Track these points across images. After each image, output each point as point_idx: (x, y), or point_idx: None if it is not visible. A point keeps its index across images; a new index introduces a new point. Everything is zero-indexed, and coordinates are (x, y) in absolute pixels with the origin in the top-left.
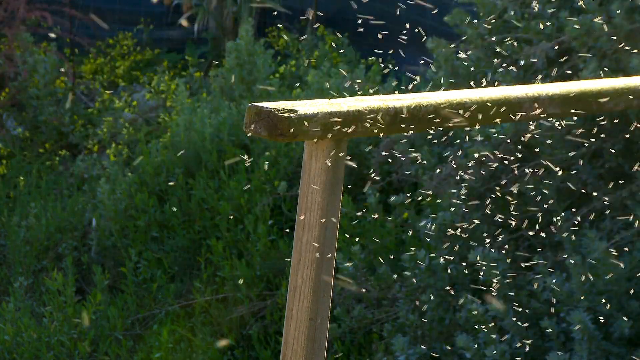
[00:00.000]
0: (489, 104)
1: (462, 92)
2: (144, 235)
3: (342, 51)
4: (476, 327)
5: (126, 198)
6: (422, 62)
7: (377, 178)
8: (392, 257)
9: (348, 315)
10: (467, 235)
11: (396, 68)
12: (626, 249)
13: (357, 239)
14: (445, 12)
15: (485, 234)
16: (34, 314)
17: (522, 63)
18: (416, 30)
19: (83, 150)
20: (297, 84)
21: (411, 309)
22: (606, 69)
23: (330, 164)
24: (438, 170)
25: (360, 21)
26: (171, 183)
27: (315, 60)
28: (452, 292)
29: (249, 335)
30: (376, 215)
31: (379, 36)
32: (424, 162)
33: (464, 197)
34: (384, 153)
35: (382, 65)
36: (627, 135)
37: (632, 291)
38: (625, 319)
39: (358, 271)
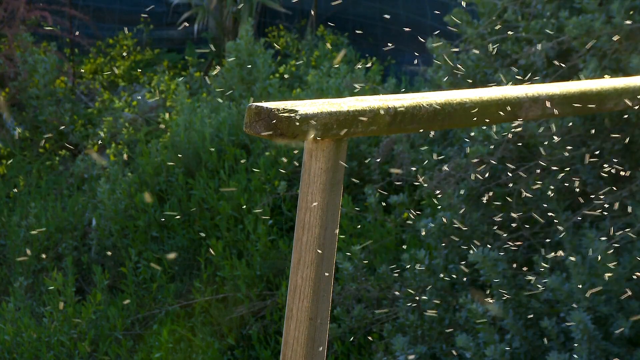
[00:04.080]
0: (489, 104)
1: (462, 92)
2: (144, 235)
3: (343, 51)
4: (476, 327)
5: (126, 198)
6: (421, 61)
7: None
8: (392, 257)
9: (348, 315)
10: (467, 235)
11: (393, 61)
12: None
13: (357, 239)
14: (445, 12)
15: (485, 234)
16: (34, 314)
17: (522, 63)
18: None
19: (83, 150)
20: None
21: (411, 309)
22: (606, 69)
23: (330, 164)
24: (438, 170)
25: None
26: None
27: (315, 60)
28: (452, 292)
29: (249, 335)
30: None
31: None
32: (425, 162)
33: (463, 197)
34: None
35: (382, 65)
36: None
37: (631, 291)
38: (625, 319)
39: (358, 271)
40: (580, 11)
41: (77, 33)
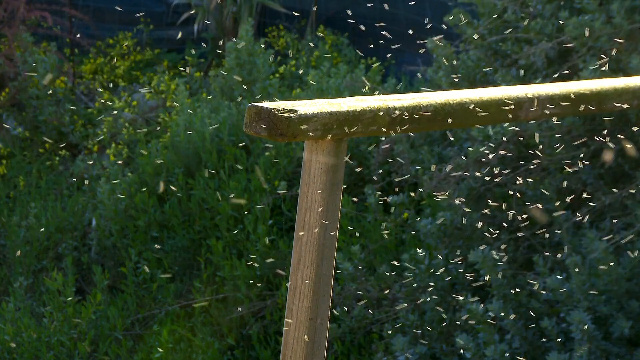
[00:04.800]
0: (489, 104)
1: (462, 92)
2: (144, 235)
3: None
4: (476, 327)
5: (126, 198)
6: (421, 61)
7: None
8: (392, 257)
9: (348, 315)
10: (467, 235)
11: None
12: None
13: (357, 239)
14: (445, 12)
15: (485, 234)
16: (34, 314)
17: (522, 63)
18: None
19: (83, 150)
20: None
21: (411, 309)
22: (606, 69)
23: (330, 164)
24: (438, 170)
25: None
26: (173, 187)
27: (315, 60)
28: (452, 292)
29: (249, 335)
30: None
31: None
32: (424, 162)
33: (463, 197)
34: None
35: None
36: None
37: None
38: (625, 319)
39: (358, 271)
40: (580, 11)
41: (78, 33)
